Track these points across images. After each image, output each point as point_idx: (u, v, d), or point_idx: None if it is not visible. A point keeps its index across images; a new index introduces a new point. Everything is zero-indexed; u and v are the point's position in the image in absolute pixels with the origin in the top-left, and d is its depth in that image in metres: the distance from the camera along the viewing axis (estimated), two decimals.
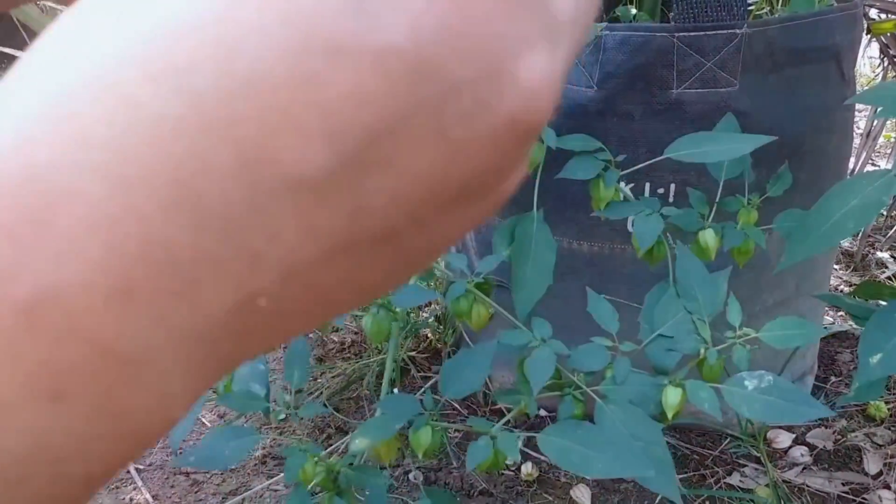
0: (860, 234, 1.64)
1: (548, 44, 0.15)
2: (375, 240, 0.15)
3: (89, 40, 0.12)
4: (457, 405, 1.09)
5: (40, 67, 0.12)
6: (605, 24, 0.79)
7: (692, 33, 0.76)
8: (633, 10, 0.92)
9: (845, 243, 1.68)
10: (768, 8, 1.13)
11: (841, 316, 1.32)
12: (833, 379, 1.12)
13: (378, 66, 0.13)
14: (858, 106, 1.73)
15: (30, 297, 0.12)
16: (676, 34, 0.76)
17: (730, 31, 0.76)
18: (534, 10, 0.15)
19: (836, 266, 1.59)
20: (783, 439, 0.96)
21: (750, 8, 1.12)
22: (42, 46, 0.12)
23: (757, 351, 0.97)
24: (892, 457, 0.95)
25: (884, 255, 1.65)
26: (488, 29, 0.14)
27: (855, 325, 1.27)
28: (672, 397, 0.57)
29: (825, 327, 1.21)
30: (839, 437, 1.00)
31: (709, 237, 0.61)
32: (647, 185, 0.82)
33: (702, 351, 0.59)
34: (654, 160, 0.65)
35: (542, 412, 1.04)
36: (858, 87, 1.11)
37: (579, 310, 0.83)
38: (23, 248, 0.12)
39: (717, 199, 0.65)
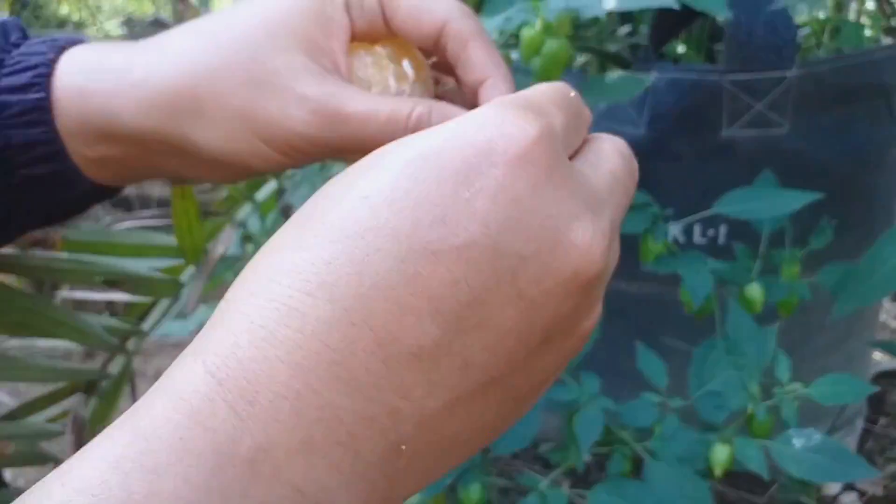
0: None
1: (591, 214, 0.19)
2: (483, 386, 0.19)
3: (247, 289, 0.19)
4: None
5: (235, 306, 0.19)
6: (654, 65, 0.79)
7: (742, 76, 0.76)
8: (681, 48, 0.92)
9: None
10: (815, 40, 1.13)
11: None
12: (882, 420, 1.09)
13: (462, 257, 0.18)
14: None
15: (250, 453, 0.16)
16: (727, 77, 0.76)
17: (780, 73, 0.76)
18: (576, 193, 0.19)
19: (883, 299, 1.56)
20: (833, 486, 0.94)
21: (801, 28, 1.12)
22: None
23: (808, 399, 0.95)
24: None
25: None
26: (542, 214, 0.19)
27: None
28: (720, 454, 0.56)
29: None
30: (889, 481, 0.98)
31: (755, 291, 0.61)
32: (698, 228, 0.82)
33: (750, 407, 0.58)
34: (703, 213, 0.64)
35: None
36: None
37: (628, 353, 0.82)
38: (243, 420, 0.16)
39: (760, 252, 0.64)
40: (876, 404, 1.14)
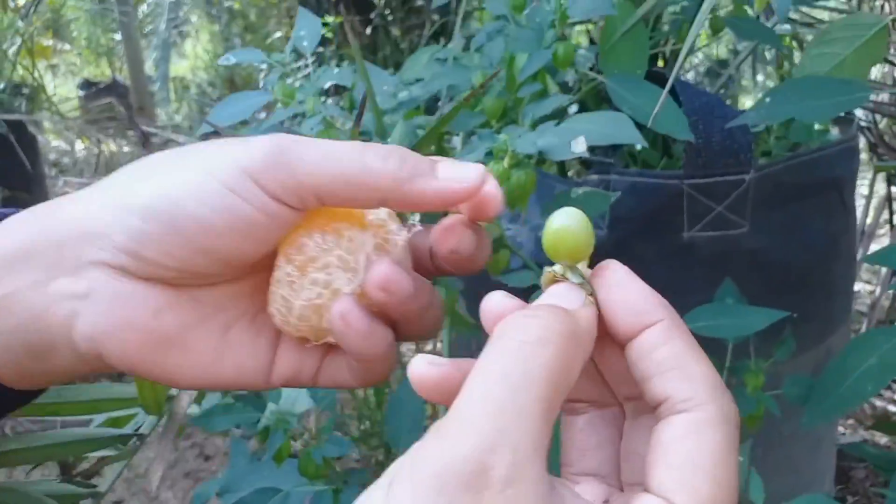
0: None
1: None
2: None
3: None
4: None
5: None
6: (613, 169, 0.80)
7: (702, 181, 0.77)
8: (639, 146, 0.94)
9: None
10: (767, 131, 1.15)
11: (851, 425, 1.31)
12: (850, 500, 1.10)
13: None
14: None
15: None
16: (686, 181, 0.77)
17: (738, 176, 0.78)
18: None
19: None
20: None
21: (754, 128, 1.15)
22: None
23: (772, 483, 0.95)
24: None
25: None
26: None
27: (869, 435, 1.26)
28: None
29: (838, 444, 1.20)
30: None
31: None
32: None
33: None
34: None
35: None
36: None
37: None
38: None
39: (726, 365, 0.64)
40: (842, 480, 1.14)
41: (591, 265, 0.28)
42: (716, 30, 0.90)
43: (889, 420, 1.31)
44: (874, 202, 1.62)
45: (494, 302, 0.25)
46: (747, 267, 0.83)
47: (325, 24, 0.79)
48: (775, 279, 0.85)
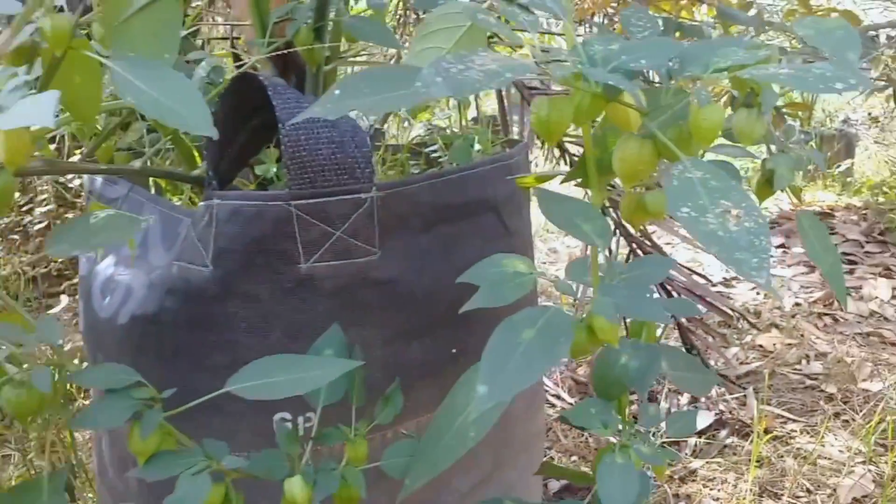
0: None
1: None
2: None
3: None
4: None
5: None
6: (216, 193, 0.67)
7: (311, 201, 0.65)
8: (274, 169, 0.81)
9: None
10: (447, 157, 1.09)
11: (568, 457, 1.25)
12: None
13: None
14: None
15: None
16: (292, 202, 0.65)
17: (355, 195, 0.67)
18: None
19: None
20: None
21: (436, 156, 1.08)
22: None
23: None
24: None
25: None
26: None
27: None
28: None
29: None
30: None
31: (296, 488, 0.47)
32: None
33: None
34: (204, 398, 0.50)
35: None
36: None
37: None
38: None
39: (312, 434, 0.51)
40: None
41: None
42: (349, 38, 0.80)
43: None
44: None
45: None
46: (385, 300, 0.71)
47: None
48: (423, 312, 0.74)
